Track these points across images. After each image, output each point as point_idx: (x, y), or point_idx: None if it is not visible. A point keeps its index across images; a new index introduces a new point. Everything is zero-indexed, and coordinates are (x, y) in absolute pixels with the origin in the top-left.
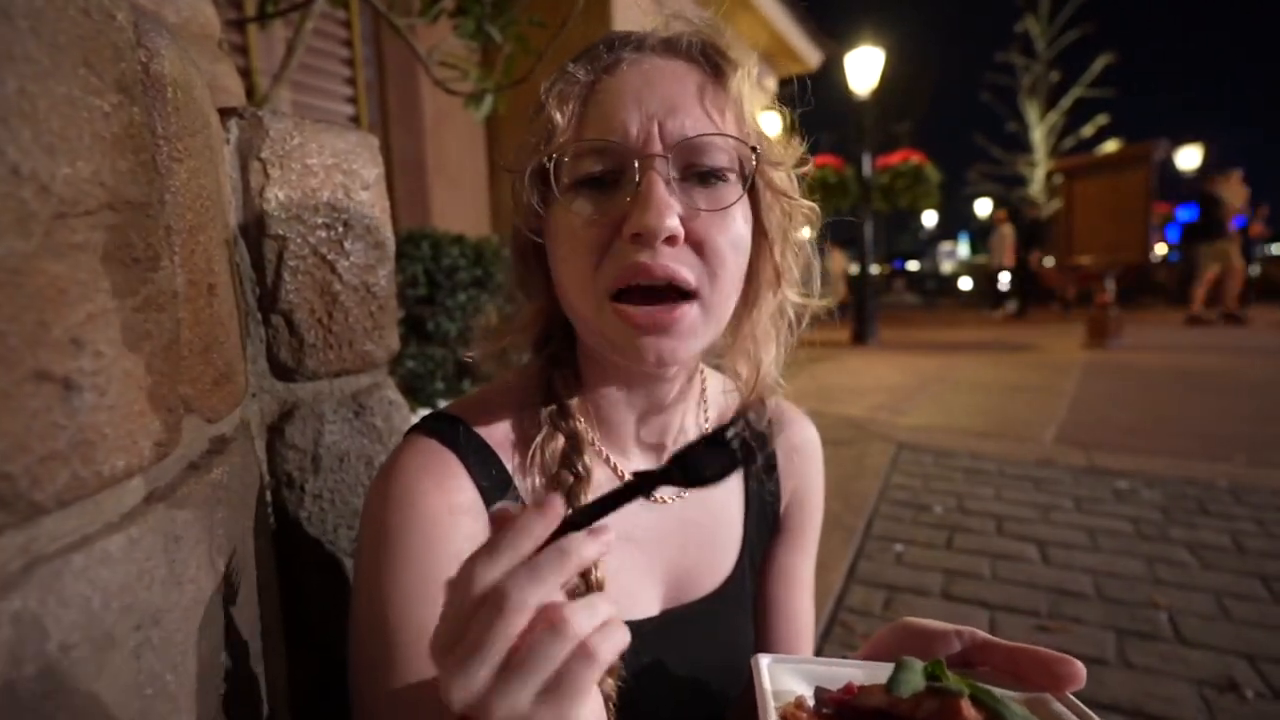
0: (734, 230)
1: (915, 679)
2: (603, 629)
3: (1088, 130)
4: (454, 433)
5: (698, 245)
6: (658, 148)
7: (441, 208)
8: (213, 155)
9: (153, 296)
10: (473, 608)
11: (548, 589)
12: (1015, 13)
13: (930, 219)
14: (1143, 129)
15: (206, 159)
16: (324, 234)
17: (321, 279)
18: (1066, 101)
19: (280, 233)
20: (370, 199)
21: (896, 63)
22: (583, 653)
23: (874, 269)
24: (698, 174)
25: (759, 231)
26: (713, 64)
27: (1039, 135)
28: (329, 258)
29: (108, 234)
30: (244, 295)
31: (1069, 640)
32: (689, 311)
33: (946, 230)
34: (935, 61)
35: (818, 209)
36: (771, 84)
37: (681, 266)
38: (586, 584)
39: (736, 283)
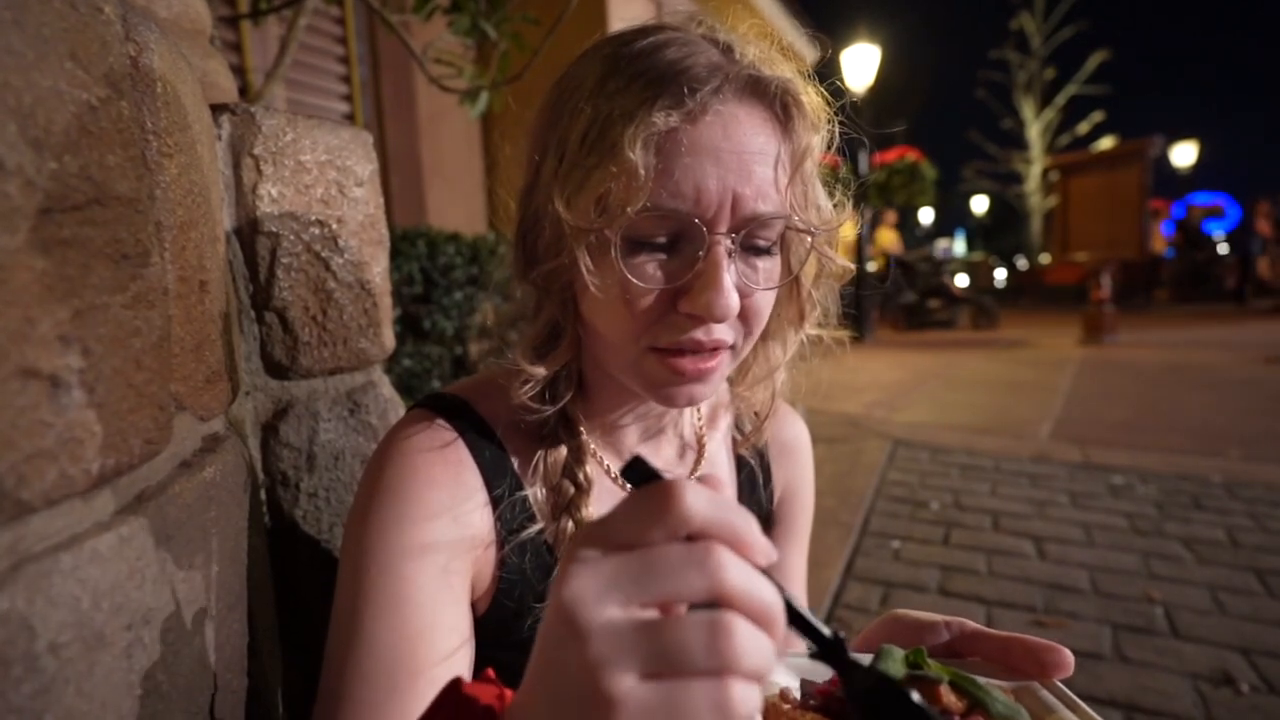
0: (773, 296)
1: (894, 667)
2: (749, 683)
3: (1083, 127)
4: (457, 411)
5: (743, 313)
6: (726, 223)
7: (437, 205)
8: (204, 151)
9: (142, 293)
10: (662, 536)
11: (750, 600)
12: (1010, 10)
13: (926, 216)
14: (1138, 125)
15: (197, 155)
16: (318, 231)
17: (315, 276)
18: (1061, 98)
19: (273, 230)
20: (365, 196)
21: (892, 60)
22: (713, 682)
23: (870, 266)
24: (753, 247)
25: (788, 275)
26: (789, 116)
27: (1034, 132)
28: (323, 255)
29: (96, 229)
30: (237, 292)
31: (1065, 635)
32: (725, 359)
33: (943, 227)
34: (931, 58)
35: (852, 267)
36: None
37: (728, 335)
38: None
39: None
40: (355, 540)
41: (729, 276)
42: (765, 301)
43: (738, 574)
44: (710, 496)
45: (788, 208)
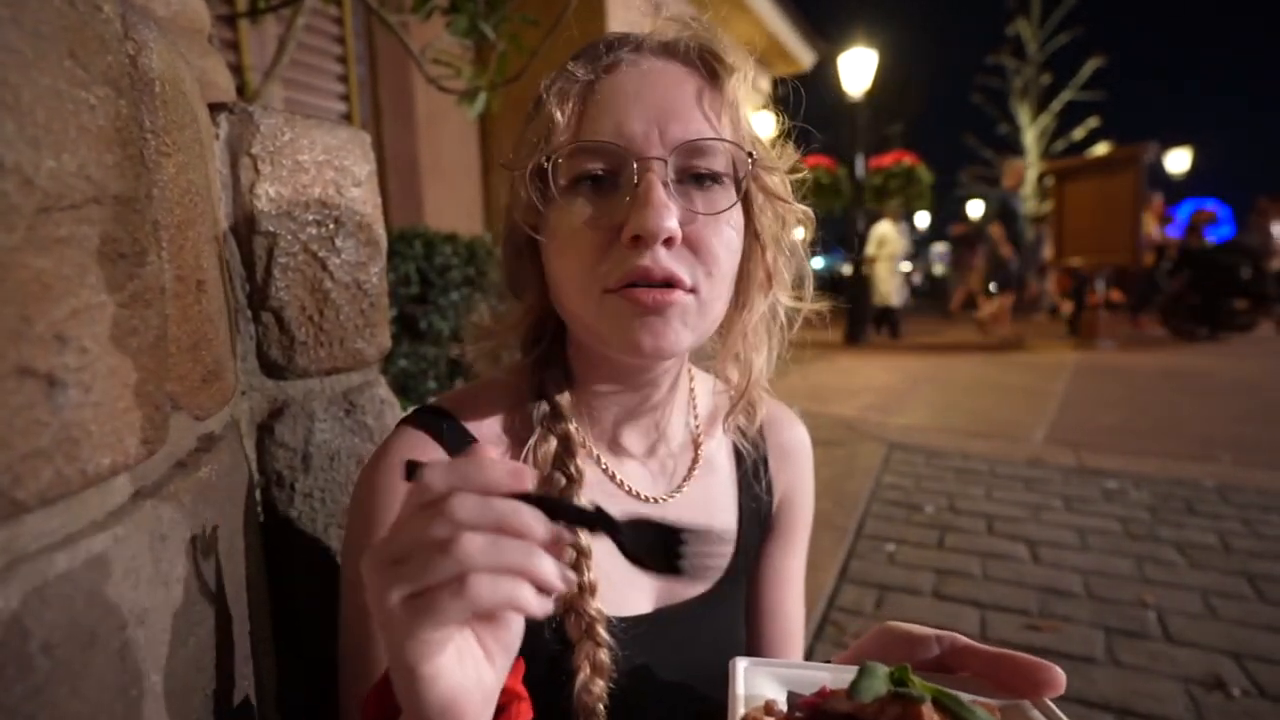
0: (728, 233)
1: (877, 684)
2: (498, 575)
3: (1079, 133)
4: (443, 427)
5: (693, 247)
6: (657, 150)
7: (434, 206)
8: (202, 150)
9: (140, 292)
10: (414, 509)
11: (482, 520)
12: (1006, 15)
13: (922, 220)
14: (1133, 131)
15: (195, 154)
16: (315, 231)
17: (312, 276)
18: (1057, 104)
19: (270, 229)
20: (362, 196)
21: (889, 64)
22: (455, 583)
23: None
24: (694, 176)
25: (751, 234)
26: (709, 68)
27: (1030, 137)
28: (320, 255)
29: (94, 228)
30: (234, 292)
31: (1059, 639)
32: (685, 298)
33: (938, 231)
34: (928, 63)
35: (811, 213)
36: (765, 85)
37: (679, 267)
38: (580, 587)
39: (729, 283)
40: (355, 573)
41: (661, 194)
42: (715, 234)
43: (469, 509)
44: (449, 466)
45: (724, 135)
